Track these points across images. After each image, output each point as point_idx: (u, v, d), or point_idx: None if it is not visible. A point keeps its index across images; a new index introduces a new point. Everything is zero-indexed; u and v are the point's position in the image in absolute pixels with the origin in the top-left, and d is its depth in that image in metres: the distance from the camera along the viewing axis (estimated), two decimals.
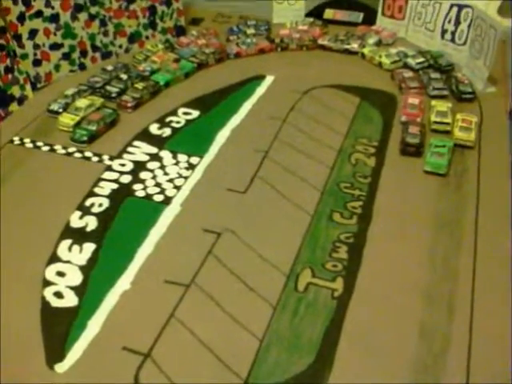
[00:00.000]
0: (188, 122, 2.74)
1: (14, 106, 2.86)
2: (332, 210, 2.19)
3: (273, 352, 1.68)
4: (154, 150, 2.54)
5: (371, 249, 2.02)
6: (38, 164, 2.48)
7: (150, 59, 3.21)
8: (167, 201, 2.26)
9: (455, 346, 1.68)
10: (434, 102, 2.72)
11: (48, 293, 1.87)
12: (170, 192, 2.30)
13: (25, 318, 1.79)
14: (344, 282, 1.89)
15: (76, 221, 2.16)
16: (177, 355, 1.68)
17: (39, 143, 2.59)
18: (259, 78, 3.10)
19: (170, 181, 2.36)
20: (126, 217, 2.20)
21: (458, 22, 3.13)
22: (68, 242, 2.07)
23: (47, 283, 1.91)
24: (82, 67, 3.22)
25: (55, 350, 1.70)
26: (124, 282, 1.91)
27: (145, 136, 2.64)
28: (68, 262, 1.99)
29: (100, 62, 3.26)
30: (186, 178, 2.37)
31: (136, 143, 2.58)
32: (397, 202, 2.22)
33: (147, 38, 3.43)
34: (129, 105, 2.82)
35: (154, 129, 2.69)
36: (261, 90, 3.00)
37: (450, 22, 3.19)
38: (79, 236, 2.09)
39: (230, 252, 2.02)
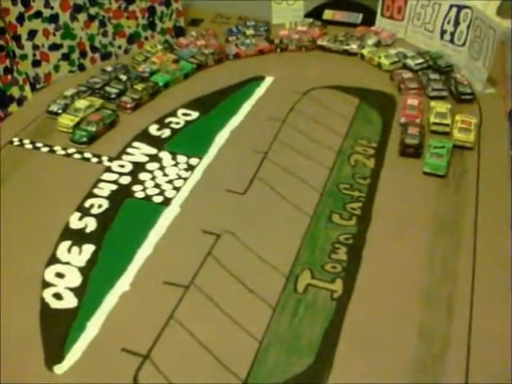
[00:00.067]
0: (187, 123, 2.74)
1: (13, 107, 2.86)
2: (331, 211, 2.19)
3: (272, 353, 1.68)
4: (153, 151, 2.54)
5: (370, 250, 2.02)
6: (37, 165, 2.48)
7: (150, 60, 3.21)
8: (167, 202, 2.26)
9: (454, 348, 1.68)
10: (433, 103, 2.72)
11: (47, 294, 1.87)
12: (169, 193, 2.30)
13: (24, 319, 1.79)
14: (343, 284, 1.89)
15: (75, 222, 2.16)
16: (176, 356, 1.68)
17: (38, 144, 2.59)
18: (258, 79, 3.10)
19: (170, 182, 2.36)
20: (125, 218, 2.20)
21: (457, 23, 3.13)
22: (67, 243, 2.07)
23: (46, 284, 1.91)
24: (82, 68, 3.22)
25: (54, 352, 1.70)
26: (123, 284, 1.91)
27: (144, 137, 2.64)
28: (67, 263, 1.99)
29: (99, 63, 3.26)
30: (185, 179, 2.37)
31: (135, 144, 2.58)
32: (396, 203, 2.22)
33: (146, 38, 3.43)
34: (128, 106, 2.82)
35: (153, 130, 2.69)
36: (260, 90, 3.00)
37: (449, 22, 3.19)
38: (78, 237, 2.09)
39: (230, 253, 2.02)
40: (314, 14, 3.74)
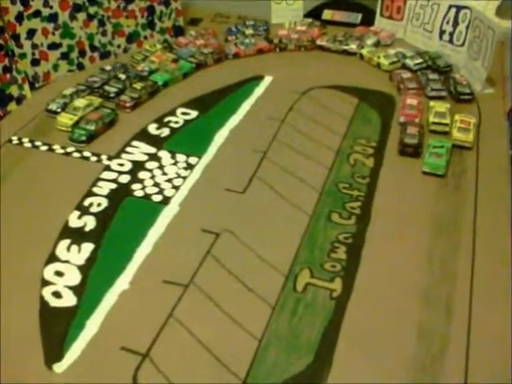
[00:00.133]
0: (186, 122, 2.74)
1: (12, 106, 2.85)
2: (330, 211, 2.19)
3: (271, 352, 1.68)
4: (152, 149, 2.54)
5: (370, 249, 2.02)
6: (36, 164, 2.48)
7: (149, 59, 3.21)
8: (166, 201, 2.26)
9: (453, 347, 1.68)
10: (432, 103, 2.73)
11: (46, 292, 1.87)
12: (168, 192, 2.30)
13: (23, 318, 1.79)
14: (342, 283, 1.89)
15: (74, 220, 2.16)
16: (175, 355, 1.68)
17: (38, 143, 2.59)
18: (258, 79, 3.10)
19: (169, 181, 2.36)
20: (124, 217, 2.20)
21: (456, 23, 3.14)
22: (67, 241, 2.07)
23: (46, 283, 1.91)
24: (81, 67, 3.22)
25: (53, 350, 1.70)
26: (122, 282, 1.91)
27: (143, 136, 2.64)
28: (66, 261, 1.99)
29: (98, 62, 3.26)
30: (184, 178, 2.37)
31: (134, 143, 2.58)
32: (395, 203, 2.22)
33: (146, 38, 3.43)
34: (127, 105, 2.82)
35: (152, 129, 2.69)
36: (259, 90, 3.00)
37: (448, 23, 3.19)
38: (78, 236, 2.09)
39: (229, 252, 2.02)
40: (314, 13, 3.74)
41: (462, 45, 3.10)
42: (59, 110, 2.75)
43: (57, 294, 1.87)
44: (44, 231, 2.11)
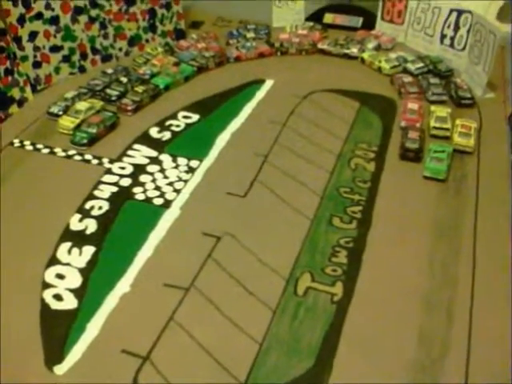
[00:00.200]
0: (188, 125, 2.75)
1: (13, 108, 2.86)
2: (332, 215, 2.19)
3: (272, 356, 1.68)
4: (153, 153, 2.54)
5: (371, 253, 2.02)
6: (37, 166, 2.48)
7: (150, 62, 3.21)
8: (167, 204, 2.26)
9: (454, 352, 1.68)
10: (433, 108, 2.73)
11: (47, 295, 1.87)
12: (169, 195, 2.30)
13: (24, 320, 1.79)
14: (343, 287, 1.89)
15: (76, 223, 2.16)
16: (176, 358, 1.68)
17: (39, 145, 2.59)
18: (259, 82, 3.11)
19: (170, 184, 2.36)
20: (125, 220, 2.20)
21: (457, 28, 3.14)
22: (68, 244, 2.07)
23: (47, 285, 1.91)
24: (82, 70, 3.22)
25: (54, 353, 1.70)
26: (123, 285, 1.91)
27: (145, 139, 2.64)
28: (68, 264, 1.99)
29: (100, 65, 3.27)
30: (185, 181, 2.38)
31: (136, 146, 2.59)
32: (396, 207, 2.23)
33: (147, 41, 3.43)
34: (129, 108, 2.82)
35: (153, 132, 2.69)
36: (260, 93, 3.00)
37: (449, 27, 3.20)
38: (79, 239, 2.09)
39: (230, 256, 2.02)
40: (315, 17, 3.75)
41: (463, 49, 3.11)
42: (61, 112, 2.75)
43: (58, 297, 1.87)
44: (45, 234, 2.11)
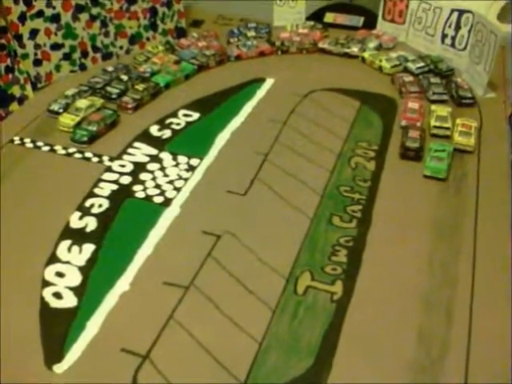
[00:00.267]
0: (188, 123, 2.74)
1: (14, 106, 2.86)
2: (332, 214, 2.19)
3: (272, 355, 1.68)
4: (154, 151, 2.54)
5: (370, 253, 2.02)
6: (37, 164, 2.48)
7: (151, 61, 3.21)
8: (167, 202, 2.26)
9: (454, 352, 1.68)
10: (433, 107, 2.73)
11: (47, 293, 1.87)
12: (169, 193, 2.30)
13: (24, 319, 1.79)
14: (343, 286, 1.89)
15: (76, 221, 2.16)
16: (175, 357, 1.68)
17: (39, 143, 2.59)
18: (259, 81, 3.11)
19: (170, 182, 2.36)
20: (125, 218, 2.20)
21: (458, 27, 3.14)
22: (67, 242, 2.07)
23: (46, 284, 1.91)
24: (83, 68, 3.22)
25: (54, 351, 1.69)
26: (123, 283, 1.91)
27: (145, 137, 2.64)
28: (67, 262, 1.99)
29: (100, 63, 3.26)
30: (185, 179, 2.38)
31: (136, 144, 2.59)
32: (396, 206, 2.22)
33: (148, 39, 3.43)
34: (129, 106, 2.82)
35: (154, 130, 2.69)
36: (261, 92, 3.00)
37: (450, 26, 3.20)
38: (79, 237, 2.09)
39: (230, 254, 2.02)
40: (316, 16, 3.74)
41: (464, 49, 3.10)
42: (61, 110, 2.75)
43: (57, 295, 1.87)
44: (45, 232, 2.11)
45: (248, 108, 2.86)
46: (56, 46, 3.06)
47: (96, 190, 2.31)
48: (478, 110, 2.81)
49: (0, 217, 2.16)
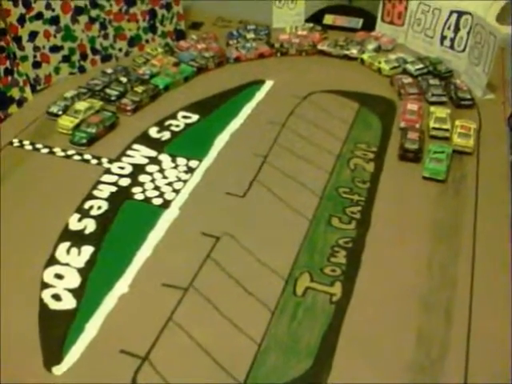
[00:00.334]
0: (187, 125, 2.75)
1: (13, 108, 2.86)
2: (331, 215, 2.19)
3: (271, 356, 1.67)
4: (153, 153, 2.54)
5: (369, 254, 2.02)
6: (37, 166, 2.48)
7: (150, 63, 3.21)
8: (166, 204, 2.26)
9: (453, 353, 1.68)
10: (432, 109, 2.73)
11: (46, 295, 1.87)
12: (168, 195, 2.30)
13: (23, 321, 1.78)
14: (342, 287, 1.89)
15: (75, 223, 2.16)
16: (174, 359, 1.68)
17: (38, 145, 2.59)
18: (259, 83, 3.11)
19: (169, 184, 2.36)
20: (124, 220, 2.20)
21: (457, 29, 3.15)
22: (66, 244, 2.07)
23: (45, 285, 1.90)
24: (82, 70, 3.22)
25: (53, 353, 1.69)
26: (122, 285, 1.91)
27: (144, 139, 2.64)
28: (66, 264, 1.99)
29: (100, 65, 3.26)
30: (184, 181, 2.38)
31: (135, 146, 2.58)
32: (395, 208, 2.22)
33: (147, 41, 3.43)
34: (128, 108, 2.82)
35: (153, 132, 2.69)
36: (260, 94, 3.00)
37: (449, 28, 3.20)
38: (78, 239, 2.09)
39: (229, 256, 2.02)
40: (315, 18, 3.75)
41: (463, 50, 3.11)
42: (60, 112, 2.75)
43: (56, 297, 1.86)
44: (44, 234, 2.11)
45: (247, 110, 2.86)
46: (55, 48, 3.06)
47: (95, 192, 2.31)
48: (477, 112, 2.81)
49: None
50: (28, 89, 2.95)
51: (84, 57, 3.21)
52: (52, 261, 2.00)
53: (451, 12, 3.17)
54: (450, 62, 3.18)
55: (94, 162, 2.49)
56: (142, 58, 3.27)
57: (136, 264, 1.99)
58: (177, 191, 2.32)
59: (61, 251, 2.04)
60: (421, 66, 3.13)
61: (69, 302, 1.85)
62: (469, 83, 2.96)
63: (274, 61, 3.39)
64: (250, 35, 3.55)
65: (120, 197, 2.30)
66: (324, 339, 1.72)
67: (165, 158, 2.50)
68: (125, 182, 2.37)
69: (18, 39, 2.88)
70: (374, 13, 3.61)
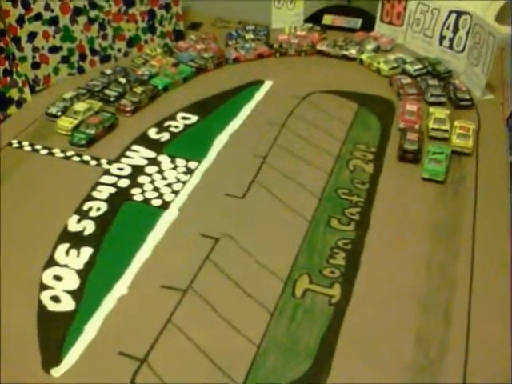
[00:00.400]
0: (186, 126, 2.74)
1: (12, 109, 2.85)
2: (330, 216, 2.19)
3: (270, 358, 1.67)
4: (152, 154, 2.54)
5: (369, 255, 2.02)
6: (36, 167, 2.48)
7: (149, 63, 3.21)
8: (165, 205, 2.26)
9: (452, 354, 1.68)
10: (431, 109, 2.73)
11: (45, 297, 1.87)
12: (168, 196, 2.30)
13: (21, 322, 1.78)
14: (341, 289, 1.89)
15: (74, 225, 2.16)
16: (173, 360, 1.68)
17: (38, 146, 2.59)
18: (258, 83, 3.11)
19: (168, 185, 2.36)
20: (123, 221, 2.20)
21: (456, 29, 3.14)
22: (65, 245, 2.06)
23: (44, 287, 1.90)
24: (81, 71, 3.22)
25: (51, 354, 1.69)
26: (121, 287, 1.91)
27: (143, 140, 2.64)
28: (65, 266, 1.98)
29: (99, 66, 3.26)
30: (184, 182, 2.37)
31: (134, 147, 2.58)
32: (394, 209, 2.22)
33: (146, 42, 3.43)
34: (127, 109, 2.82)
35: (152, 133, 2.69)
36: (259, 95, 3.00)
37: (448, 28, 3.20)
38: (77, 240, 2.09)
39: (228, 257, 2.02)
40: (314, 18, 3.75)
41: (462, 51, 3.11)
42: (59, 113, 2.75)
43: (55, 299, 1.86)
44: (43, 235, 2.11)
45: (246, 110, 2.86)
46: (54, 49, 3.06)
47: (94, 193, 2.31)
48: (476, 112, 2.81)
49: None
50: (27, 90, 2.95)
51: (83, 57, 3.21)
52: (51, 262, 1.99)
53: (450, 12, 3.17)
54: (448, 62, 3.18)
55: (93, 163, 2.49)
56: (141, 58, 3.27)
57: (135, 265, 1.99)
58: (176, 192, 2.32)
59: (60, 252, 2.04)
60: (420, 66, 3.13)
61: (68, 304, 1.85)
62: (468, 83, 2.96)
63: (273, 61, 3.39)
64: (249, 36, 3.55)
65: (119, 198, 2.29)
66: (323, 341, 1.72)
67: (164, 159, 2.50)
68: (124, 183, 2.37)
69: (17, 40, 2.87)
70: (373, 13, 3.60)
